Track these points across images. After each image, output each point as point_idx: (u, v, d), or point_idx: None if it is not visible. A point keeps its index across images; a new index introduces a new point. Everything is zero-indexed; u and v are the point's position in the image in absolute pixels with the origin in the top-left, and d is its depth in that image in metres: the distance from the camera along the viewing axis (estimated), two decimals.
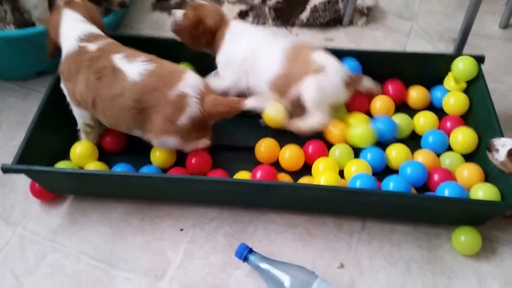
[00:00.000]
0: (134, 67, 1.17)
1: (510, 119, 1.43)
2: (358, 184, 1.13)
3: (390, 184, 1.14)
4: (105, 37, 1.24)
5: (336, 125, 1.29)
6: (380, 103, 1.36)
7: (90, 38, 1.21)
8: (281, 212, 1.22)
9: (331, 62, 1.27)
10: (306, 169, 1.26)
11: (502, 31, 1.76)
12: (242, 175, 1.22)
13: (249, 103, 1.16)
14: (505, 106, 1.46)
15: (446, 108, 1.37)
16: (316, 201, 1.19)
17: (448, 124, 1.33)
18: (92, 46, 1.19)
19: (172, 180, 1.17)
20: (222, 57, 1.32)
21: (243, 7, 1.79)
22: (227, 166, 1.26)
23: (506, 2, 1.78)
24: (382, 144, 1.29)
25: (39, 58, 1.45)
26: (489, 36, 1.73)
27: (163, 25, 1.73)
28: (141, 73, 1.16)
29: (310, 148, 1.27)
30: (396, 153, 1.25)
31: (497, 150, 1.12)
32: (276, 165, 1.27)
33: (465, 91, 1.37)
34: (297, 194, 1.17)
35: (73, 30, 1.22)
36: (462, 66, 1.34)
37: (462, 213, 1.15)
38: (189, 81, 1.18)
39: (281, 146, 1.28)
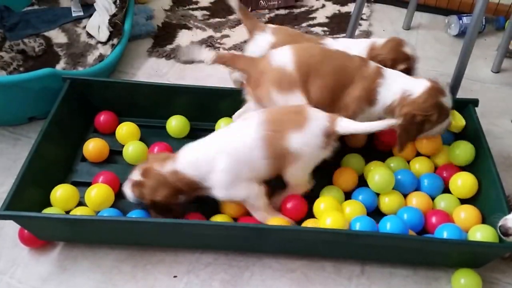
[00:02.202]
0: None
1: (506, 160, 1.54)
2: (358, 227, 1.20)
3: (387, 224, 1.20)
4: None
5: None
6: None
7: None
8: (278, 257, 1.27)
9: None
10: None
11: (495, 75, 1.89)
12: (220, 218, 1.26)
13: None
14: (500, 148, 1.56)
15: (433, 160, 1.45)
16: (314, 245, 1.24)
17: (444, 173, 1.39)
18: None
19: (163, 225, 1.21)
20: None
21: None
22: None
23: (497, 48, 1.92)
24: None
25: (30, 103, 1.54)
26: (482, 80, 1.86)
27: (158, 71, 1.83)
28: None
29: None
30: (389, 199, 1.32)
31: None
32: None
33: (461, 135, 1.45)
34: (297, 238, 1.22)
35: None
36: (459, 152, 1.39)
37: (461, 255, 1.22)
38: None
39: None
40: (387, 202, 1.32)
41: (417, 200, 1.32)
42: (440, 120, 1.31)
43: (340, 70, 1.31)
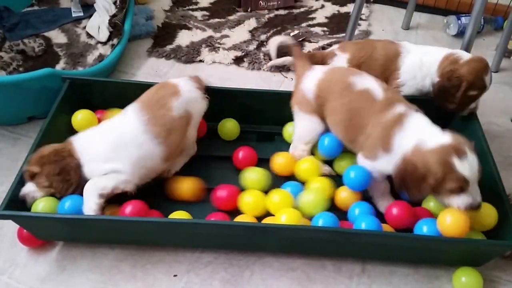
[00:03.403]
0: None
1: (506, 159, 1.52)
2: (320, 223, 1.18)
3: (362, 224, 1.17)
4: None
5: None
6: None
7: None
8: (278, 256, 1.25)
9: None
10: None
11: (494, 74, 1.86)
12: (179, 214, 1.24)
13: None
14: (500, 147, 1.55)
15: None
16: (313, 243, 1.22)
17: None
18: None
19: (164, 224, 1.20)
20: None
21: (238, 53, 1.89)
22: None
23: (495, 47, 1.91)
24: None
25: (30, 103, 1.52)
26: None
27: (158, 71, 1.82)
28: None
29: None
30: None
31: None
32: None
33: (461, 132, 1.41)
34: (294, 236, 1.20)
35: None
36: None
37: (462, 253, 1.20)
38: None
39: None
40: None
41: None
42: (445, 183, 1.10)
43: (355, 109, 1.27)
